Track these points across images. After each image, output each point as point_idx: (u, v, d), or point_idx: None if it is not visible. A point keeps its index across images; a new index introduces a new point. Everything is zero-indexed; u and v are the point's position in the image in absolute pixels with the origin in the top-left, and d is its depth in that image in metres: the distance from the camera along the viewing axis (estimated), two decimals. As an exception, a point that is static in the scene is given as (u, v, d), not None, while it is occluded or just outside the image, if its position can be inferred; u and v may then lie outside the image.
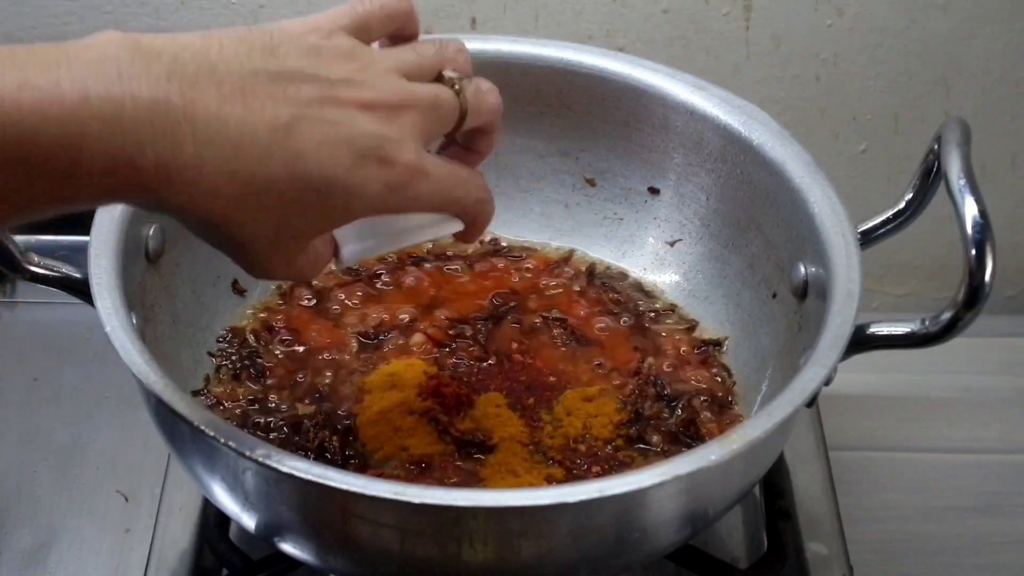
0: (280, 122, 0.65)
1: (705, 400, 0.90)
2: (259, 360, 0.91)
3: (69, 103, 0.60)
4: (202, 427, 0.71)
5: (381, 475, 0.83)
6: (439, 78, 0.73)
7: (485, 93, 0.75)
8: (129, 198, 0.65)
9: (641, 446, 0.87)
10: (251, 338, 0.93)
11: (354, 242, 0.75)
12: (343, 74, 0.68)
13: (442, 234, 0.78)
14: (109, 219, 0.83)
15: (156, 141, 0.62)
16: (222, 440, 0.71)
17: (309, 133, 0.66)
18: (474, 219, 0.76)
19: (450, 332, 0.94)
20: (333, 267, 0.74)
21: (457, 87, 0.73)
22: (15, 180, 0.60)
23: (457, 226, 0.77)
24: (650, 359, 0.93)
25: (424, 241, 0.79)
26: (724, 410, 0.90)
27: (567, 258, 1.01)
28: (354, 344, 0.93)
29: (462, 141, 0.77)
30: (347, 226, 0.72)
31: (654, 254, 0.99)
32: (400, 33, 0.75)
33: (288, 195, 0.66)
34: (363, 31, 0.72)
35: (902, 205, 0.88)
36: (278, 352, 0.92)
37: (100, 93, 0.61)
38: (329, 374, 0.91)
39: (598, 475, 0.84)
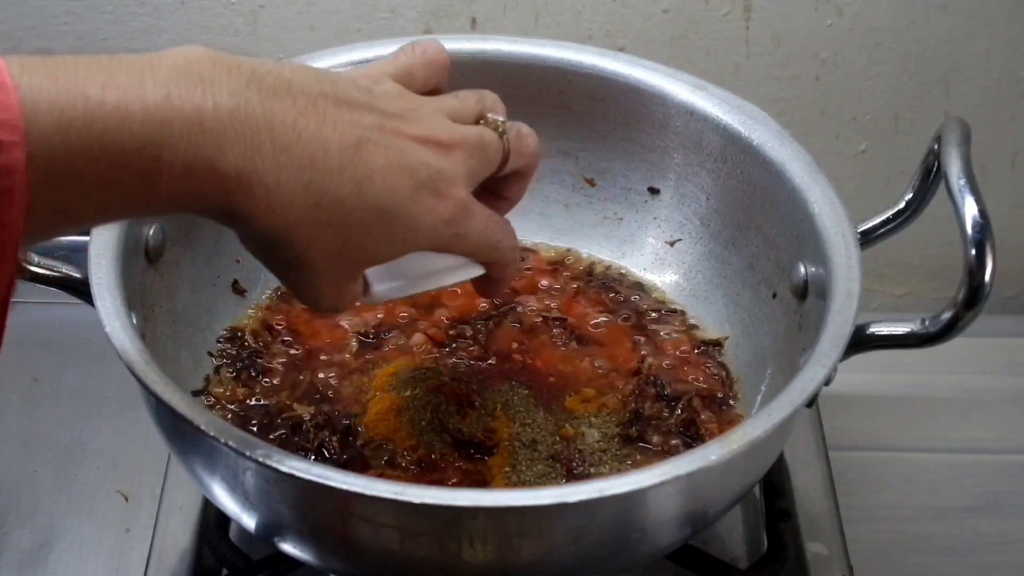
0: (349, 141, 0.67)
1: (705, 400, 0.90)
2: (259, 360, 0.91)
3: (152, 102, 0.61)
4: (202, 427, 0.71)
5: (381, 475, 0.83)
6: (480, 121, 0.76)
7: (525, 136, 0.78)
8: (205, 204, 0.65)
9: (641, 446, 0.87)
10: (251, 338, 0.93)
11: (384, 281, 0.76)
12: (396, 110, 0.71)
13: (464, 279, 0.79)
14: (109, 219, 0.83)
15: (236, 144, 0.63)
16: (222, 440, 0.71)
17: (375, 155, 0.67)
18: (504, 267, 0.78)
19: (450, 332, 0.94)
20: (358, 303, 0.76)
21: (501, 129, 0.76)
22: (97, 179, 0.61)
23: (478, 271, 0.78)
24: (650, 359, 0.93)
25: (448, 286, 0.80)
26: (724, 410, 0.90)
27: (567, 258, 1.01)
28: (354, 344, 0.93)
29: (494, 188, 0.79)
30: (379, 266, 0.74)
31: (654, 254, 0.99)
32: (437, 88, 0.77)
33: (354, 215, 0.67)
34: (407, 78, 0.75)
35: (902, 205, 0.88)
36: (278, 352, 0.92)
37: (183, 94, 0.62)
38: (329, 374, 0.91)
39: (598, 475, 0.84)
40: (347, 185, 0.67)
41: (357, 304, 0.75)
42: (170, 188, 0.62)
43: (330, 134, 0.66)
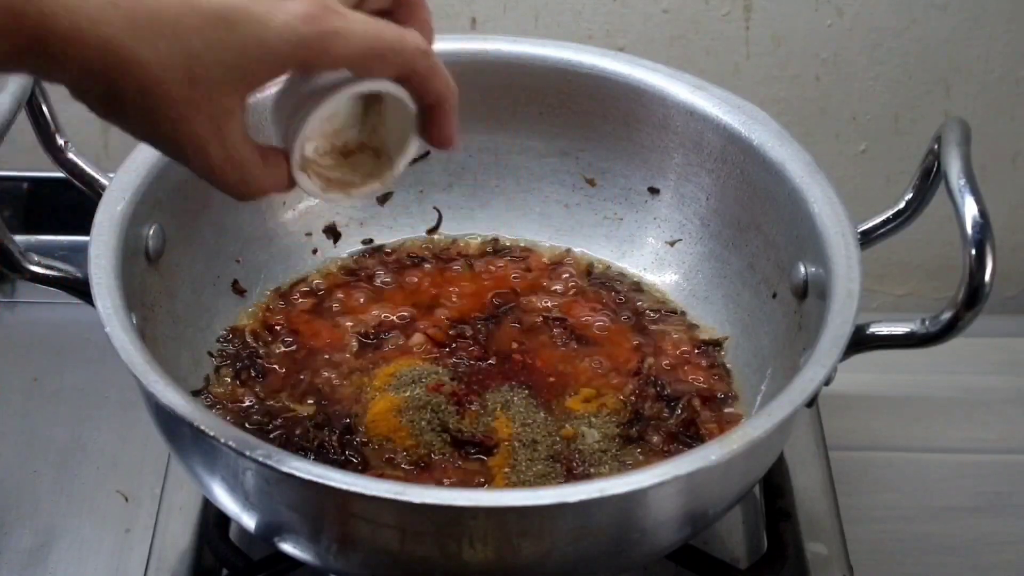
0: None
1: (705, 400, 0.90)
2: (259, 360, 0.91)
3: None
4: (202, 427, 0.71)
5: (381, 475, 0.83)
6: None
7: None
8: (5, 46, 0.61)
9: (641, 446, 0.87)
10: (251, 338, 0.93)
11: (281, 124, 0.70)
12: None
13: (376, 88, 0.70)
14: (109, 219, 0.83)
15: None
16: (222, 440, 0.71)
17: None
18: (426, 79, 0.70)
19: (450, 332, 0.94)
20: (303, 187, 0.71)
21: None
22: None
23: (399, 92, 0.70)
24: (650, 359, 0.93)
25: (360, 91, 0.70)
26: (724, 410, 0.90)
27: (567, 258, 1.00)
28: (354, 344, 0.93)
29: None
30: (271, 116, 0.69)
31: (654, 254, 0.99)
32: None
33: (184, 22, 0.62)
34: None
35: (902, 205, 0.88)
36: (278, 352, 0.92)
37: None
38: (329, 374, 0.91)
39: (598, 475, 0.84)
40: None
41: (284, 186, 0.70)
42: None
43: None
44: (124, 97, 0.63)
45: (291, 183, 0.71)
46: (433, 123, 0.73)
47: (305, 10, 0.64)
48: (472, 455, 0.85)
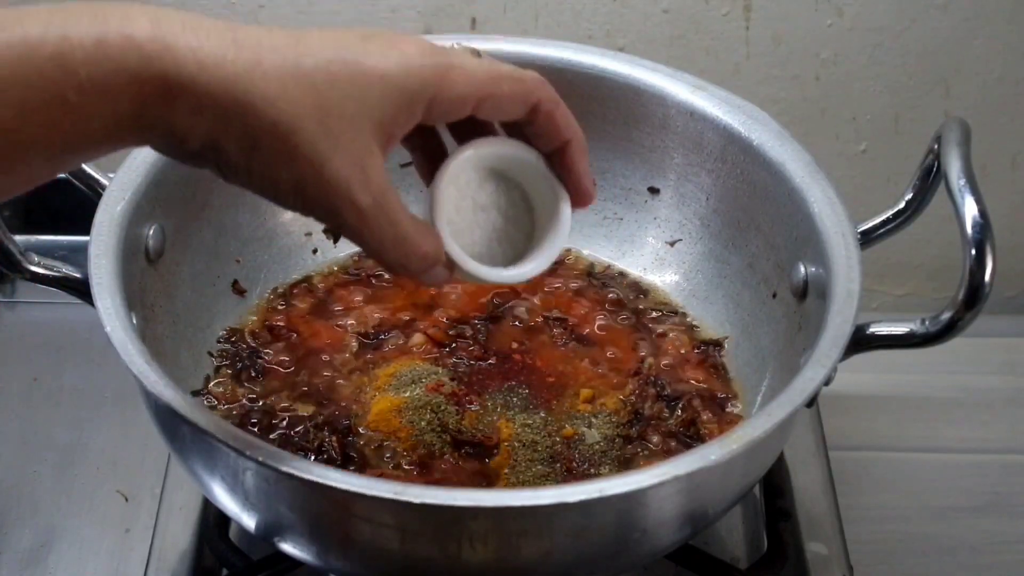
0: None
1: (705, 400, 0.90)
2: (259, 360, 0.91)
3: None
4: (202, 427, 0.71)
5: (381, 475, 0.83)
6: None
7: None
8: (128, 79, 0.59)
9: (641, 446, 0.87)
10: (251, 338, 0.93)
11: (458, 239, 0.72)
12: None
13: (502, 152, 0.72)
14: (109, 219, 0.83)
15: (144, 15, 0.60)
16: (222, 440, 0.71)
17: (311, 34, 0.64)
18: (549, 115, 0.70)
19: (450, 332, 0.94)
20: (454, 255, 0.71)
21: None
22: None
23: (522, 151, 0.72)
24: (650, 359, 0.93)
25: (481, 153, 0.72)
26: (724, 410, 0.90)
27: (567, 258, 1.00)
28: (354, 344, 0.93)
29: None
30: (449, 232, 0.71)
31: (654, 254, 0.99)
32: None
33: (305, 63, 0.62)
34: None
35: (902, 205, 0.88)
36: (278, 352, 0.92)
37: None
38: (329, 374, 0.91)
39: (598, 475, 0.84)
40: (279, 37, 0.62)
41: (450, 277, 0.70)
42: (84, 67, 0.58)
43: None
44: (259, 141, 0.62)
45: (449, 259, 0.71)
46: (569, 169, 0.73)
47: (419, 48, 0.65)
48: (472, 455, 0.85)
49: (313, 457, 0.84)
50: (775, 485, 0.93)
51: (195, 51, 0.60)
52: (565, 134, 0.72)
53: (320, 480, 0.69)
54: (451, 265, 0.72)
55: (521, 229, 0.76)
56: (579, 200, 0.74)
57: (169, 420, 0.77)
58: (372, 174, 0.64)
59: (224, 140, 0.62)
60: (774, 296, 0.91)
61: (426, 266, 0.69)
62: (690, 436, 0.87)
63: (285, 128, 0.62)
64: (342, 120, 0.63)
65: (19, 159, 0.60)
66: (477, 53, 0.70)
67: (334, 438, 0.85)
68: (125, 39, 0.59)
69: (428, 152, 0.73)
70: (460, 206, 0.73)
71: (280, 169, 0.63)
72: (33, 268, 0.83)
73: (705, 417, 0.89)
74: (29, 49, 0.58)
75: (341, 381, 0.90)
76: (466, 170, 0.73)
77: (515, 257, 0.76)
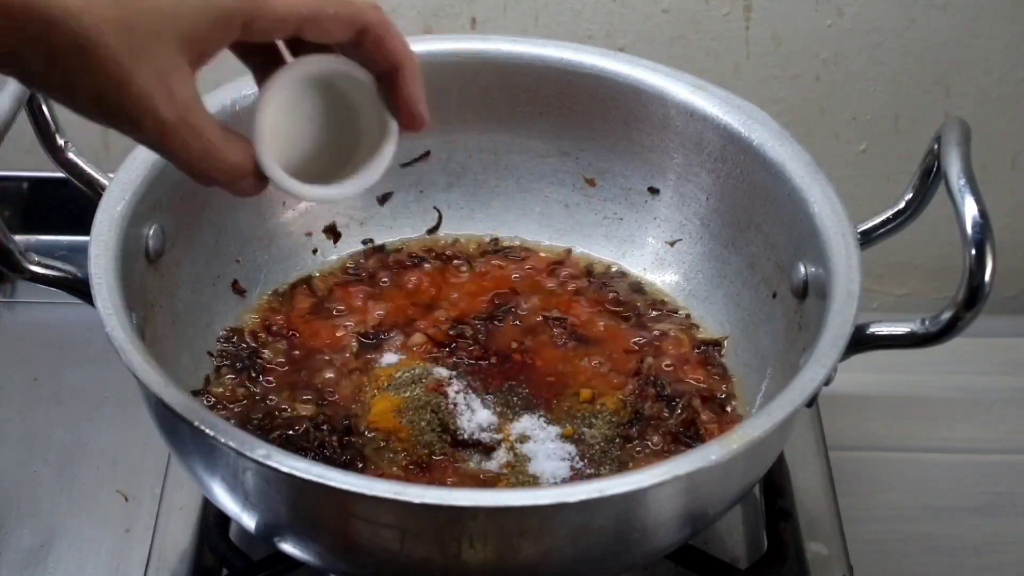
0: None
1: (705, 400, 0.90)
2: (259, 360, 0.91)
3: None
4: (202, 427, 0.71)
5: (381, 475, 0.83)
6: None
7: None
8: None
9: (641, 446, 0.87)
10: (251, 338, 0.93)
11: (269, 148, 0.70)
12: None
13: (328, 67, 0.70)
14: (109, 219, 0.83)
15: None
16: (222, 440, 0.71)
17: None
18: (378, 41, 0.68)
19: (450, 332, 0.94)
20: (267, 170, 0.70)
21: None
22: None
23: (359, 71, 0.70)
24: (650, 359, 0.93)
25: (309, 71, 0.70)
26: (724, 410, 0.90)
27: (567, 258, 1.00)
28: (354, 344, 0.93)
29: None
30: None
31: (654, 254, 0.99)
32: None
33: None
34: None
35: (902, 205, 0.88)
36: (278, 352, 0.92)
37: None
38: (329, 374, 0.91)
39: (598, 475, 0.84)
40: None
41: (268, 186, 0.69)
42: None
43: None
44: (59, 54, 0.61)
45: (259, 170, 0.69)
46: (398, 94, 0.71)
47: None
48: (472, 455, 0.85)
49: (313, 457, 0.84)
50: (775, 485, 0.93)
51: None
52: (395, 58, 0.70)
53: (320, 480, 0.69)
54: (264, 177, 0.70)
55: (346, 150, 0.74)
56: (410, 123, 0.72)
57: (169, 420, 0.77)
58: (177, 88, 0.63)
59: (24, 52, 0.62)
60: (774, 296, 0.91)
61: (235, 177, 0.68)
62: (690, 436, 0.87)
63: (85, 42, 0.61)
64: (148, 36, 0.62)
65: None
66: None
67: (334, 438, 0.85)
68: None
69: (268, 71, 0.71)
70: (285, 121, 0.71)
71: (79, 81, 0.63)
72: (33, 268, 0.83)
73: (705, 417, 0.89)
74: None
75: (341, 381, 0.90)
76: (294, 85, 0.71)
77: (335, 178, 0.74)
